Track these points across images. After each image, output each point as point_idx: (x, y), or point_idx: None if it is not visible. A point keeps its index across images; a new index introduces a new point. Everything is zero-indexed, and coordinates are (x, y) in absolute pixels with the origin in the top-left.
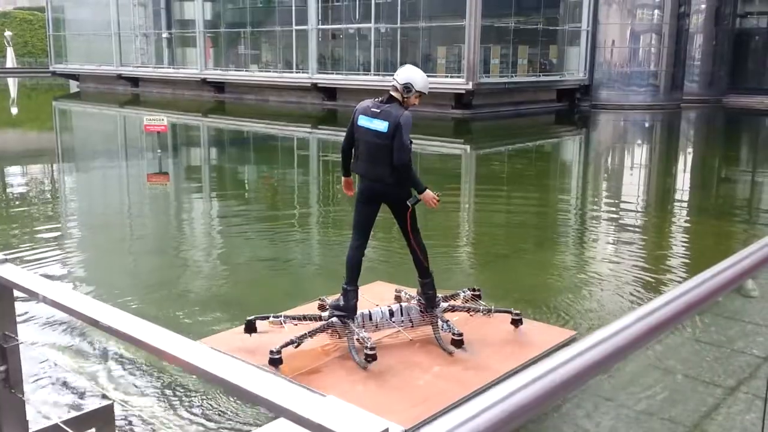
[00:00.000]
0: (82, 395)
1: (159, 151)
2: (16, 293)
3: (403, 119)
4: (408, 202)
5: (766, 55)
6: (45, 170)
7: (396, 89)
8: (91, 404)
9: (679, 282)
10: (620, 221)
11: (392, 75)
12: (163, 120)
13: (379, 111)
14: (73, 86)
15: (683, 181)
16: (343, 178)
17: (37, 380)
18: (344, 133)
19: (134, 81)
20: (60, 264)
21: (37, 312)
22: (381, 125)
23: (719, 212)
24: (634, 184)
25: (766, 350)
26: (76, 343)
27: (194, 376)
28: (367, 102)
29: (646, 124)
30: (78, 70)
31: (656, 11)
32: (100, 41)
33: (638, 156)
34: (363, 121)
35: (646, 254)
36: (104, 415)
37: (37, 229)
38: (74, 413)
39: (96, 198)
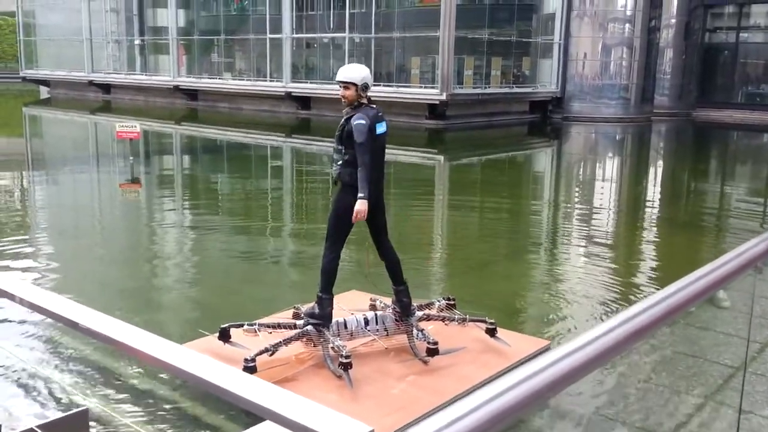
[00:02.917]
0: (57, 400)
1: (131, 158)
2: None
3: None
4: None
5: (735, 70)
6: (14, 177)
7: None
8: (66, 409)
9: (652, 292)
10: (592, 231)
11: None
12: (135, 127)
13: (381, 114)
14: (44, 92)
15: (654, 192)
16: (366, 202)
17: (11, 385)
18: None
19: (106, 88)
20: (30, 273)
21: (11, 315)
22: (385, 127)
23: (689, 223)
24: (605, 196)
25: (739, 360)
26: (51, 347)
27: (172, 382)
28: (369, 111)
29: (617, 137)
30: (49, 75)
31: (627, 25)
32: (72, 47)
33: (610, 168)
34: (380, 128)
35: (618, 264)
36: (78, 421)
37: (5, 237)
38: (49, 418)
39: (67, 205)
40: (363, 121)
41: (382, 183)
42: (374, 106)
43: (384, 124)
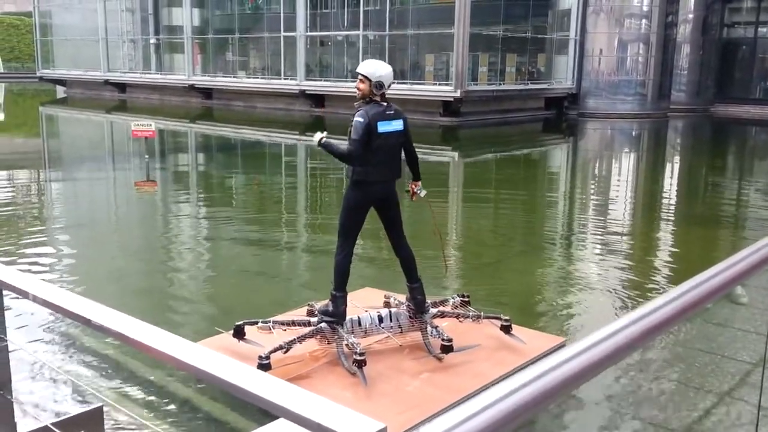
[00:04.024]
0: (71, 397)
1: (146, 157)
2: (5, 292)
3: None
4: (421, 193)
5: (753, 65)
6: (32, 176)
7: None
8: (81, 406)
9: (669, 288)
10: (610, 228)
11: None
12: (151, 126)
13: (393, 112)
14: (60, 92)
15: (671, 188)
16: (322, 141)
17: (25, 382)
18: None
19: (121, 87)
20: (47, 272)
21: (25, 312)
22: (399, 125)
23: (707, 219)
24: (622, 193)
25: (757, 356)
26: (66, 344)
27: (187, 379)
28: (372, 109)
29: (634, 133)
30: (65, 75)
31: (644, 21)
32: (88, 47)
33: (626, 164)
34: (384, 127)
35: (634, 261)
36: (93, 418)
37: (23, 236)
38: (63, 415)
39: (83, 204)
40: (361, 119)
41: (393, 180)
42: (385, 104)
43: (393, 123)
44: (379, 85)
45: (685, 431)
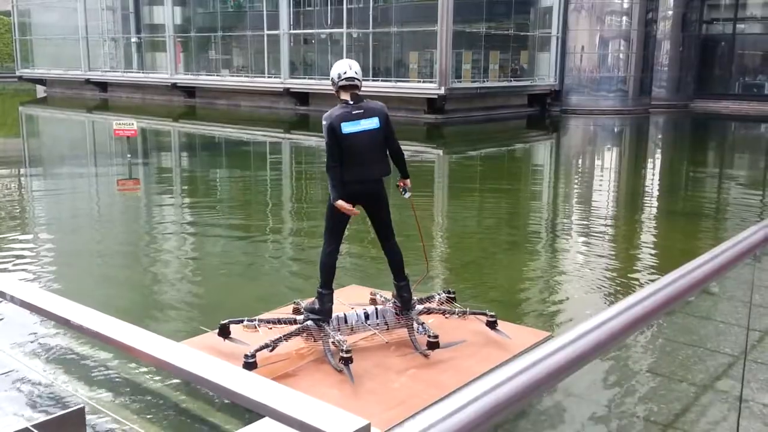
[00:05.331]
0: (52, 399)
1: (129, 156)
2: None
3: (386, 108)
4: (405, 195)
5: (732, 61)
6: (11, 177)
7: (358, 87)
8: (62, 408)
9: (651, 281)
10: (593, 222)
11: (360, 79)
12: (132, 124)
13: (362, 111)
14: (40, 91)
15: (653, 183)
16: (341, 202)
17: (5, 383)
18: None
19: (103, 86)
20: (27, 272)
21: (4, 313)
22: (372, 123)
23: (689, 213)
24: (605, 187)
25: (739, 349)
26: (46, 345)
27: (170, 379)
28: (336, 111)
29: (615, 129)
30: (45, 74)
31: (624, 18)
32: (68, 46)
33: (608, 159)
34: (349, 128)
35: (618, 253)
36: (75, 419)
37: (2, 236)
38: (45, 417)
39: (64, 204)
40: (324, 122)
41: (372, 179)
42: (352, 103)
43: (361, 122)
44: (333, 83)
45: (668, 424)
